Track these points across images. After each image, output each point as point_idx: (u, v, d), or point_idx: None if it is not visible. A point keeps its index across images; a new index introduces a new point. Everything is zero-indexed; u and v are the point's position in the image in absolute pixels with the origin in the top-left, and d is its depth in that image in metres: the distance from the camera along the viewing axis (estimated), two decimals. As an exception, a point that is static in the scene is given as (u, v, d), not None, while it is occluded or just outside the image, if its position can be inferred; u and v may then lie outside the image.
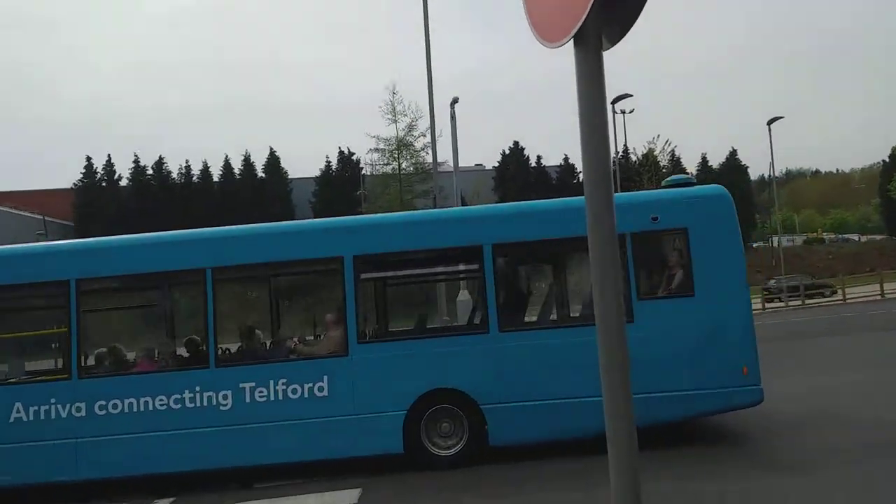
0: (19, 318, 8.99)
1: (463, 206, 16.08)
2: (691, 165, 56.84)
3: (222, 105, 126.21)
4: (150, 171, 56.72)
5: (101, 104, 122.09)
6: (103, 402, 7.67)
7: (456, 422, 7.70)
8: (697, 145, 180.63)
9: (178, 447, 7.61)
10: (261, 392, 7.70)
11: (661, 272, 8.26)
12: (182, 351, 8.43)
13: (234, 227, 9.26)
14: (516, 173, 59.36)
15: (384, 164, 51.35)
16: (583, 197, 2.13)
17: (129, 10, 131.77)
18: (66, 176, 74.87)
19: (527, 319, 8.60)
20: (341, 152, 57.85)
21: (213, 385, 7.73)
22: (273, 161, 57.51)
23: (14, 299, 8.50)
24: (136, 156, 56.54)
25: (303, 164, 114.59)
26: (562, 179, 58.18)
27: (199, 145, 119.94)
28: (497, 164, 61.65)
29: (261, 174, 57.33)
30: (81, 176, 55.88)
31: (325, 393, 7.67)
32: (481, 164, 62.93)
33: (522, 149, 61.56)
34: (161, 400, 7.67)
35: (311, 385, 7.68)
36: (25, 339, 8.89)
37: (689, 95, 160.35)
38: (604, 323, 2.08)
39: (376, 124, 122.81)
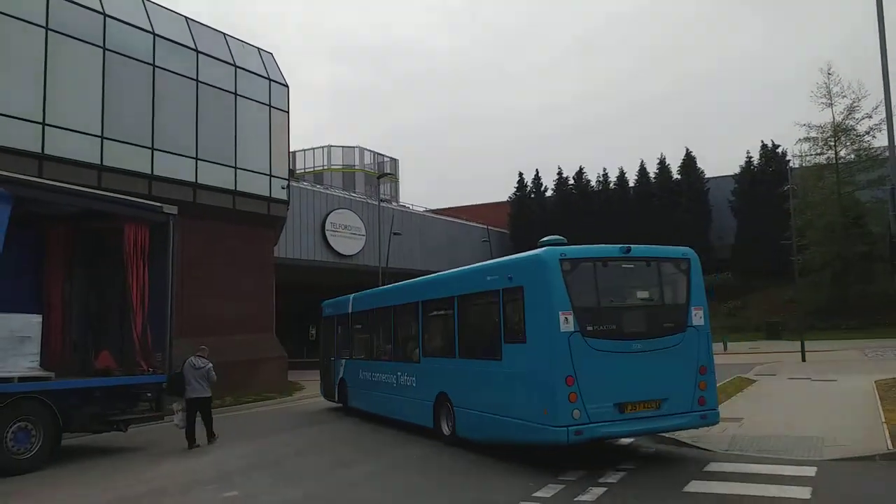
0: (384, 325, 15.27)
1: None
2: None
3: (630, 112, 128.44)
4: (571, 182, 60.91)
5: (533, 127, 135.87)
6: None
7: (450, 415, 11.54)
8: None
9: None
10: (397, 379, 13.92)
11: (512, 321, 9.87)
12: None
13: (432, 275, 14.03)
14: None
15: (817, 154, 45.86)
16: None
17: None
18: (506, 191, 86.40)
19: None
20: (764, 146, 53.51)
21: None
22: (688, 162, 56.22)
23: (380, 316, 15.28)
24: (559, 168, 61.44)
25: (721, 163, 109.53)
26: None
27: (614, 155, 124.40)
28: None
29: (676, 176, 56.55)
30: (515, 189, 63.03)
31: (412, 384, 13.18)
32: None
33: None
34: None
35: (406, 378, 13.47)
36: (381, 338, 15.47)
37: None
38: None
39: (806, 111, 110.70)
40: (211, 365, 12.76)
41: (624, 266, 9.71)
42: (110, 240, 12.82)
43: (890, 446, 9.55)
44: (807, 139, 45.84)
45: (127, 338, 12.51)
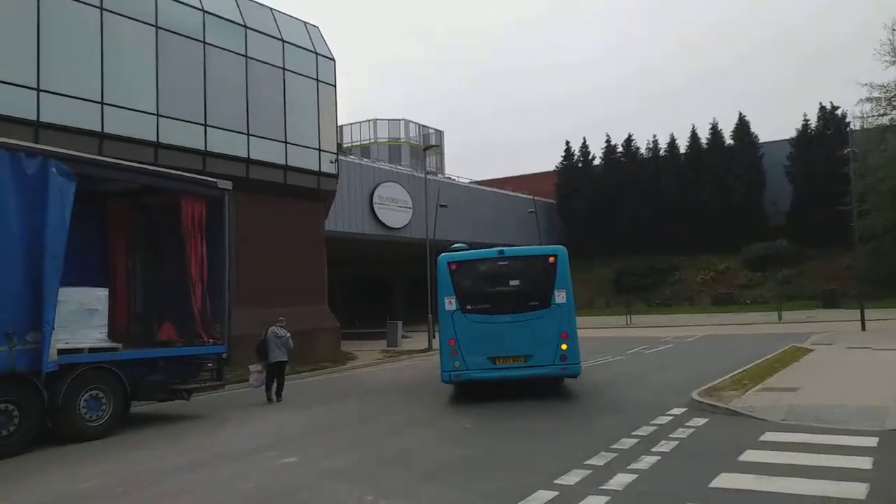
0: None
1: None
2: None
3: (689, 84, 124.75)
4: (619, 150, 59.76)
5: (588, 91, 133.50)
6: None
7: None
8: None
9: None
10: None
11: None
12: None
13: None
14: None
15: (879, 115, 43.86)
16: None
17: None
18: (552, 160, 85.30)
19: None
20: (822, 108, 51.46)
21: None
22: (742, 126, 54.49)
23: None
24: (607, 136, 60.32)
25: (776, 127, 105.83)
26: None
27: (671, 123, 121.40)
28: None
29: (728, 141, 54.92)
30: (562, 158, 62.20)
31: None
32: None
33: None
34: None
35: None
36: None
37: None
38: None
39: (870, 70, 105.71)
40: (290, 334, 15.10)
41: (500, 263, 13.62)
42: (169, 215, 13.23)
43: (956, 417, 9.27)
44: (869, 99, 43.78)
45: (187, 310, 12.96)
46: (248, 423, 12.28)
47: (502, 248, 14.02)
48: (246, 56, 22.44)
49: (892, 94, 43.11)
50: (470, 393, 13.79)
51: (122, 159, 14.15)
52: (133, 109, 18.89)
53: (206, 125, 20.79)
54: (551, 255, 13.48)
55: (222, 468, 8.58)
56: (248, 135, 22.17)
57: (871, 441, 8.31)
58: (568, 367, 12.98)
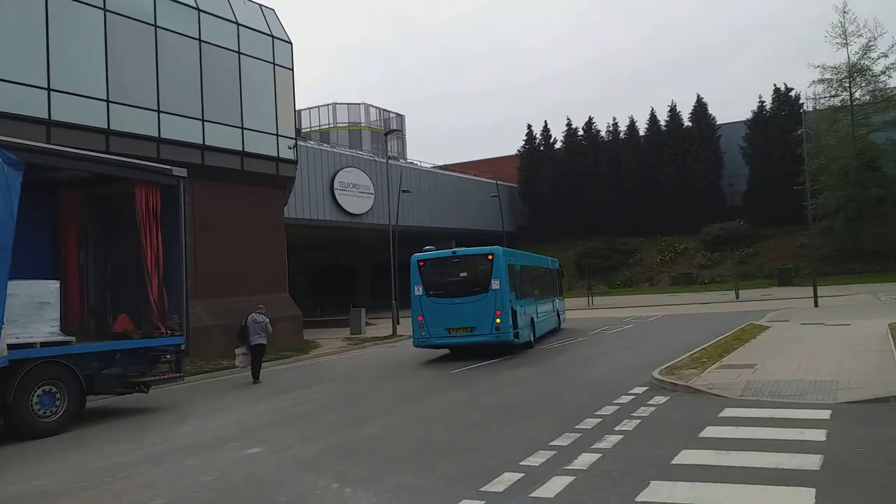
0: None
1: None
2: None
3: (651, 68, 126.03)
4: (580, 133, 60.17)
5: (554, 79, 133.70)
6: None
7: None
8: None
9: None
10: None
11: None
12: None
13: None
14: None
15: (831, 97, 45.02)
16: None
17: None
18: (514, 144, 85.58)
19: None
20: (777, 90, 52.53)
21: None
22: (700, 109, 55.34)
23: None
24: (568, 119, 60.72)
25: (733, 109, 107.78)
26: None
27: (632, 107, 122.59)
28: None
29: (687, 123, 55.74)
30: (524, 142, 62.41)
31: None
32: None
33: None
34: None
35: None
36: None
37: None
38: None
39: (820, 52, 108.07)
40: (268, 320, 16.49)
41: (453, 261, 18.49)
42: (123, 204, 12.86)
43: (904, 388, 9.59)
44: (821, 81, 45.02)
45: (144, 301, 12.65)
46: (211, 414, 12.09)
47: (455, 250, 19.32)
48: (200, 40, 21.87)
49: (843, 76, 44.28)
50: (434, 378, 13.79)
51: (71, 147, 13.69)
52: (82, 95, 18.29)
53: (159, 111, 20.25)
54: (489, 254, 17.93)
55: (184, 460, 8.41)
56: (203, 120, 21.67)
57: (825, 414, 8.55)
58: (500, 335, 17.32)
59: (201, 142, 21.51)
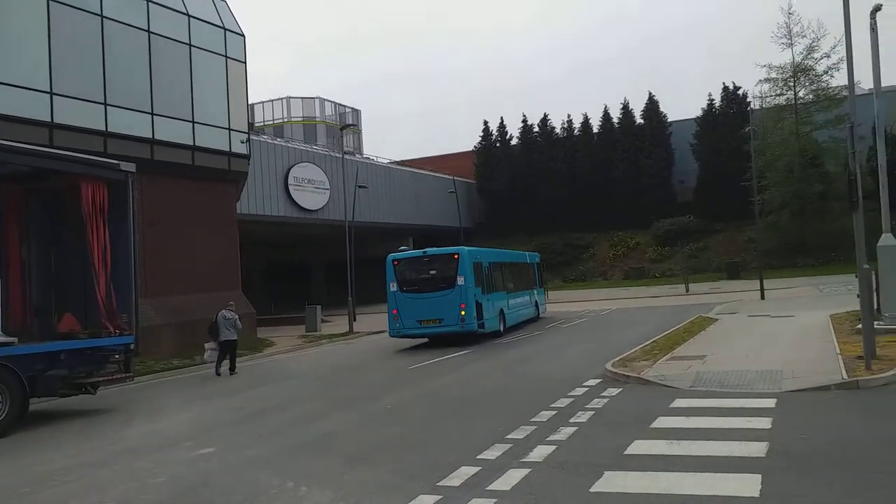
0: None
1: (886, 135, 17.89)
2: None
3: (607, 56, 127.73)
4: (535, 129, 60.64)
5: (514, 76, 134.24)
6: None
7: None
8: None
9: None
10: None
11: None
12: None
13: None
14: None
15: (776, 95, 46.35)
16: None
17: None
18: (472, 140, 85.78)
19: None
20: (725, 88, 53.82)
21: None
22: (651, 106, 56.35)
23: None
24: (524, 116, 61.06)
25: (685, 106, 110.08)
26: None
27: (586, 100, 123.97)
28: (927, 80, 50.39)
29: (639, 120, 56.71)
30: (480, 139, 62.56)
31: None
32: (904, 83, 52.19)
33: (965, 56, 49.09)
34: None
35: None
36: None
37: None
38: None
39: (768, 52, 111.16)
40: (238, 316, 16.92)
41: (424, 260, 20.29)
42: (68, 200, 12.44)
43: (844, 376, 9.98)
44: (767, 80, 46.27)
45: (91, 300, 12.28)
46: (163, 415, 11.81)
47: (426, 250, 20.83)
48: (148, 31, 21.29)
49: (788, 75, 45.62)
50: (392, 374, 13.75)
51: (12, 141, 13.18)
52: (23, 87, 17.63)
53: (105, 104, 19.66)
54: (455, 254, 19.93)
55: (134, 462, 8.20)
56: (153, 114, 21.12)
57: (770, 402, 8.83)
58: (465, 326, 19.26)
59: (150, 136, 20.96)
